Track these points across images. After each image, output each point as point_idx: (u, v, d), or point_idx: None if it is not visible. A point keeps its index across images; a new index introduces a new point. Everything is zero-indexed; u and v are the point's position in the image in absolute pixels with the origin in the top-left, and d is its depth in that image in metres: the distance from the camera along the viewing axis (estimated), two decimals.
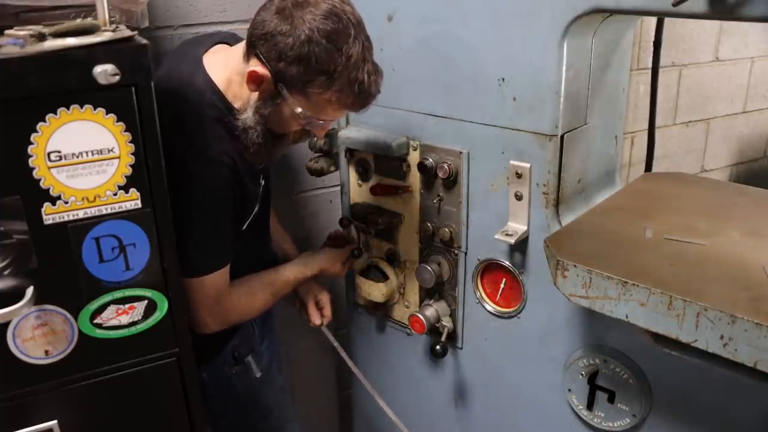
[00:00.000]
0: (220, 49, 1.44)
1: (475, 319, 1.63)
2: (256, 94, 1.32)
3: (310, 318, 1.80)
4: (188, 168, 1.28)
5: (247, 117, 1.34)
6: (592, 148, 1.49)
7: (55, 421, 1.08)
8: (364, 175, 1.72)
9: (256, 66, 1.27)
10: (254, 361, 1.66)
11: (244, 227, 1.47)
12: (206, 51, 1.41)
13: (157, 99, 1.01)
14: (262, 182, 1.52)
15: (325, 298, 1.81)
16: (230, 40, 1.49)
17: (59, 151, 0.95)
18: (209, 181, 1.31)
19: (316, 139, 1.75)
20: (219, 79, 1.36)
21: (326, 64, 1.23)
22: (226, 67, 1.37)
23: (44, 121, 0.93)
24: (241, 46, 1.35)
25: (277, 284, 1.58)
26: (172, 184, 1.06)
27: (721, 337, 1.05)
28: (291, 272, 1.62)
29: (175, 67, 1.40)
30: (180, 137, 1.27)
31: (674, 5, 1.07)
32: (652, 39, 1.80)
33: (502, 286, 1.56)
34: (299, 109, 1.29)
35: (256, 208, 1.50)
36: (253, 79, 1.28)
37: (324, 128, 1.39)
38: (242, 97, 1.35)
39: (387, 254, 1.76)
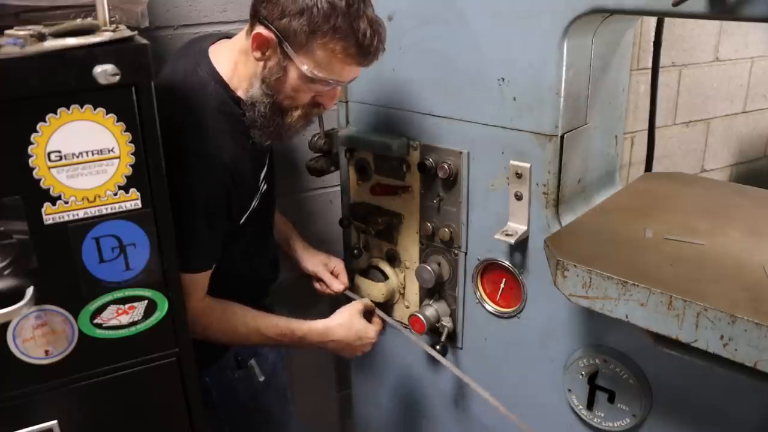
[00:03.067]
0: (225, 41, 1.45)
1: (475, 319, 1.63)
2: (261, 65, 1.32)
3: (330, 286, 1.76)
4: (185, 165, 1.27)
5: (254, 91, 1.34)
6: (592, 148, 1.49)
7: (55, 421, 1.08)
8: (364, 175, 1.72)
9: (260, 30, 1.28)
10: (257, 364, 1.64)
11: (243, 221, 1.46)
12: (212, 44, 1.42)
13: (160, 96, 1.01)
14: (264, 179, 1.51)
15: (339, 265, 1.79)
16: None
17: (59, 151, 0.95)
18: (205, 179, 1.30)
19: (316, 138, 1.75)
20: (224, 67, 1.37)
21: (328, 11, 1.24)
22: (230, 53, 1.38)
23: (44, 121, 0.93)
24: (244, 29, 1.36)
25: (269, 330, 1.50)
26: (170, 180, 1.06)
27: (721, 337, 1.05)
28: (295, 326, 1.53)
29: (179, 63, 1.41)
30: (180, 133, 1.26)
31: (674, 5, 1.07)
32: (652, 39, 1.80)
33: (502, 286, 1.56)
34: (305, 67, 1.29)
35: (255, 204, 1.48)
36: (259, 44, 1.29)
37: (332, 97, 1.40)
38: (249, 76, 1.35)
39: (387, 254, 1.76)
